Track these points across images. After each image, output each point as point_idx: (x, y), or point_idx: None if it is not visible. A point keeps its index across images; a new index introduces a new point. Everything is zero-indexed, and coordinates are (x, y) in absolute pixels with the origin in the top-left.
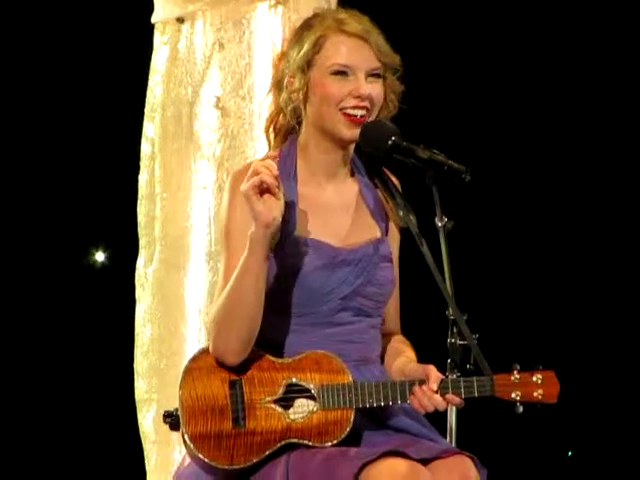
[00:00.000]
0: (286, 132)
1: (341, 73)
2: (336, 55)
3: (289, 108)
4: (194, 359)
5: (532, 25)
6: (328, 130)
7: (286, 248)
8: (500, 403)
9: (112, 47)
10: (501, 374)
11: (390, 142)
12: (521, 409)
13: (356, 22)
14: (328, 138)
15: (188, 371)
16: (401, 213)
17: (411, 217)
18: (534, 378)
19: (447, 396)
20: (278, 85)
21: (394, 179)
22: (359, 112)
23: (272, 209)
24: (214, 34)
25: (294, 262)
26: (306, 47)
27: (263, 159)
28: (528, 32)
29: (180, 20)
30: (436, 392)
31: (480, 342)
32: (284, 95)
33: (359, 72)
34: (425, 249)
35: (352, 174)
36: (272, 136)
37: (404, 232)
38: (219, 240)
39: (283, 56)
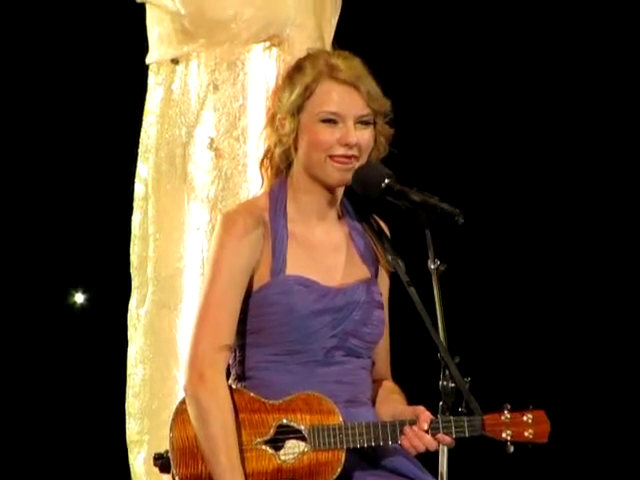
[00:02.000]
0: (278, 170)
1: (330, 120)
2: (326, 102)
3: (278, 150)
4: (184, 401)
5: (523, 48)
6: (317, 174)
7: (275, 286)
8: (491, 444)
9: (107, 87)
10: (491, 414)
11: (383, 185)
12: (512, 449)
13: (347, 68)
14: (317, 181)
15: (179, 412)
16: (390, 258)
17: (399, 262)
18: (525, 417)
19: (438, 436)
20: (271, 122)
21: (383, 225)
22: (347, 160)
23: None
24: (208, 75)
25: (283, 300)
26: (297, 92)
27: (252, 202)
28: (517, 57)
29: (175, 61)
30: (426, 432)
31: (471, 384)
32: (274, 137)
33: (348, 120)
34: (414, 294)
35: (342, 217)
36: (268, 171)
37: (393, 276)
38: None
39: (275, 94)
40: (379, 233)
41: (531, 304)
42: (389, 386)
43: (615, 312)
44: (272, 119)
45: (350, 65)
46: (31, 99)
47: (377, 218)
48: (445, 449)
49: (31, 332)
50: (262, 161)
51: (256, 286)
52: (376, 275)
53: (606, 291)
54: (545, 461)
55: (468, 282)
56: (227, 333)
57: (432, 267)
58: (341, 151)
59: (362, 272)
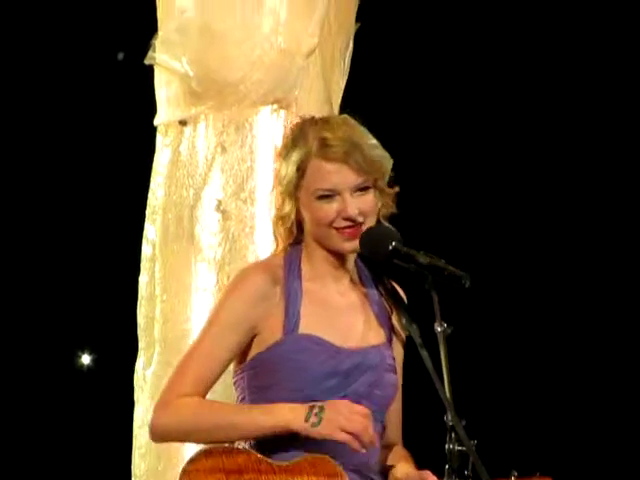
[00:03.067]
0: (290, 233)
1: (327, 196)
2: (318, 181)
3: (284, 227)
4: (191, 461)
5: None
6: (326, 244)
7: (288, 344)
8: None
9: (115, 148)
10: (499, 479)
11: (390, 247)
12: None
13: (337, 141)
14: (328, 249)
15: (185, 473)
16: (405, 322)
17: (414, 326)
18: None
19: None
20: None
21: (399, 290)
22: (352, 230)
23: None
24: (216, 137)
25: (296, 357)
26: (290, 172)
27: (268, 260)
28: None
29: (183, 123)
30: None
31: (478, 448)
32: (275, 216)
33: (344, 192)
34: (426, 357)
35: (357, 280)
36: (282, 233)
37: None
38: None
39: (277, 159)
40: (395, 298)
41: (538, 368)
42: (400, 452)
43: (622, 382)
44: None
45: (340, 137)
46: (40, 159)
47: (394, 283)
48: None
49: (37, 393)
50: (275, 222)
51: (268, 343)
52: (390, 340)
53: (613, 356)
54: None
55: (473, 344)
56: (200, 388)
57: (439, 329)
58: (343, 224)
59: (377, 335)
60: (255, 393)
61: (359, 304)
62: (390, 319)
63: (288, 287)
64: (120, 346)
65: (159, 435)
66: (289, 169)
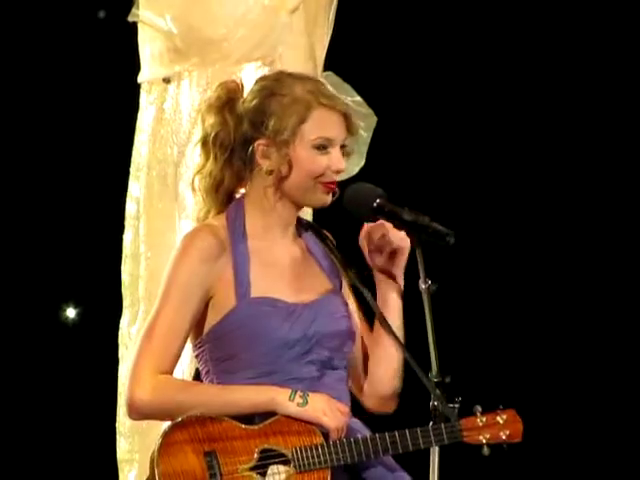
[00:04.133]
0: (232, 194)
1: (323, 147)
2: (322, 129)
3: (269, 176)
4: (166, 434)
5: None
6: (300, 198)
7: (242, 310)
8: (476, 454)
9: (99, 106)
10: (467, 418)
11: (375, 204)
12: (488, 451)
13: (336, 95)
14: (296, 202)
15: (162, 447)
16: (347, 270)
17: (350, 272)
18: (498, 418)
19: None
20: (237, 146)
21: (330, 237)
22: (334, 185)
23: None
24: (200, 95)
25: (253, 323)
26: (291, 119)
27: (211, 221)
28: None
29: (166, 80)
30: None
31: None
32: (258, 161)
33: (336, 146)
34: (369, 298)
35: (298, 231)
36: (219, 198)
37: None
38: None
39: (231, 114)
40: (332, 247)
41: (496, 313)
42: None
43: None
44: (237, 142)
45: (333, 93)
46: (24, 115)
47: (325, 232)
48: (436, 460)
49: (23, 347)
50: (209, 189)
51: (223, 312)
52: (340, 286)
53: (571, 308)
54: (527, 460)
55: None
56: (170, 359)
57: (423, 287)
58: (330, 178)
59: (326, 284)
60: (218, 364)
61: (304, 256)
62: (336, 267)
63: (235, 249)
64: (104, 303)
65: (139, 414)
66: (291, 117)
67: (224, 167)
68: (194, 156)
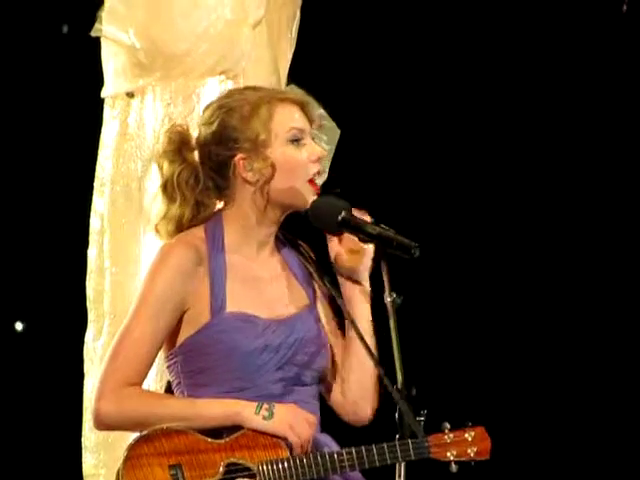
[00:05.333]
0: (209, 216)
1: (297, 140)
2: (290, 121)
3: (254, 186)
4: (132, 447)
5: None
6: (291, 200)
7: (216, 325)
8: (442, 467)
9: (62, 121)
10: (435, 434)
11: (339, 218)
12: (455, 468)
13: (288, 91)
14: (284, 204)
15: (127, 460)
16: (326, 281)
17: (325, 282)
18: (466, 435)
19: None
20: (207, 175)
21: (306, 246)
22: (319, 179)
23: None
24: (164, 109)
25: (226, 338)
26: (257, 122)
27: (189, 233)
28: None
29: (130, 95)
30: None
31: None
32: (245, 176)
33: (307, 136)
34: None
35: (276, 244)
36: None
37: None
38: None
39: (191, 152)
40: (308, 257)
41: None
42: None
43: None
44: (218, 165)
45: (286, 89)
46: None
47: (301, 242)
48: (402, 470)
49: None
50: (184, 222)
51: (198, 325)
52: (314, 299)
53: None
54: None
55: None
56: (139, 371)
57: (388, 300)
58: (314, 168)
59: (302, 299)
60: (190, 377)
61: (281, 270)
62: (311, 278)
63: (212, 263)
64: (68, 318)
65: (105, 425)
66: (255, 121)
67: (195, 204)
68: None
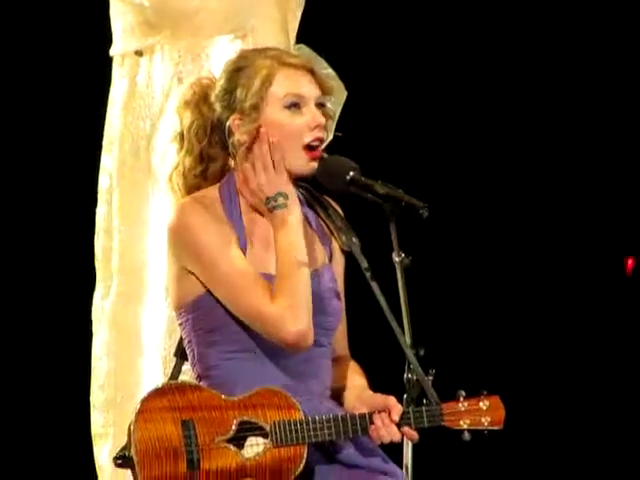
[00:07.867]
0: (222, 174)
1: (295, 105)
2: (290, 86)
3: (240, 150)
4: (144, 400)
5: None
6: (288, 167)
7: None
8: (451, 432)
9: (71, 79)
10: (449, 402)
11: (348, 177)
12: (469, 437)
13: (296, 56)
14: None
15: (140, 413)
16: (344, 237)
17: (354, 239)
18: (481, 404)
19: (404, 429)
20: (215, 129)
21: (334, 204)
22: (317, 144)
23: None
24: (173, 68)
25: None
26: (256, 84)
27: (203, 194)
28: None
29: (138, 53)
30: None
31: (435, 373)
32: (236, 137)
33: (310, 102)
34: (368, 275)
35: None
36: (204, 184)
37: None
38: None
39: (206, 106)
40: (331, 214)
41: (484, 293)
42: (352, 365)
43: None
44: (217, 126)
45: (297, 54)
46: None
47: (328, 198)
48: (410, 445)
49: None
50: (195, 174)
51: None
52: (330, 257)
53: (556, 286)
54: (503, 448)
55: (430, 274)
56: (268, 289)
57: (397, 259)
58: (311, 136)
59: (319, 258)
60: (201, 335)
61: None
62: (328, 237)
63: (229, 223)
64: (77, 277)
65: (309, 337)
66: (254, 84)
67: (202, 155)
68: (167, 129)
